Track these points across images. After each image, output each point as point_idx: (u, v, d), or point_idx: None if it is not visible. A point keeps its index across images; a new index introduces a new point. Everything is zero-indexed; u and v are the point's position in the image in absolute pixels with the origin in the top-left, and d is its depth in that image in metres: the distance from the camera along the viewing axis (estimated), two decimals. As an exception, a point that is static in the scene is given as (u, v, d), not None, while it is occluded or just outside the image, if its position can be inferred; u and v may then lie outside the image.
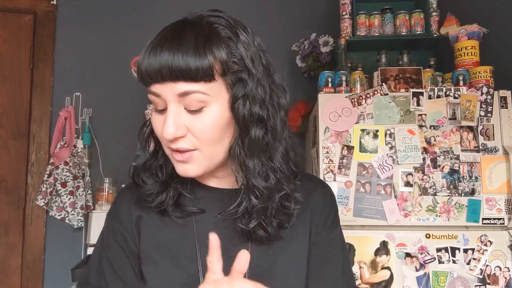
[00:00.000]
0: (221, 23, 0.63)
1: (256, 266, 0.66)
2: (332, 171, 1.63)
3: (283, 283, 0.67)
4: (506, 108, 1.62)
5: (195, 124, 0.61)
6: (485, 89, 1.62)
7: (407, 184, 1.60)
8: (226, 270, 0.67)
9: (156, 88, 0.61)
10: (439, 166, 1.60)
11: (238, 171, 0.67)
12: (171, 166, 0.69)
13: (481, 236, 1.56)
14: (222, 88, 0.62)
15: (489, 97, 1.62)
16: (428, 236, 1.58)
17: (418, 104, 1.64)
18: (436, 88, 1.65)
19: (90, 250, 2.11)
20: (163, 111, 0.63)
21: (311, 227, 0.72)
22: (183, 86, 0.59)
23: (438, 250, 1.57)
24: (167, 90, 0.60)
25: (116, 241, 0.71)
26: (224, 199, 0.69)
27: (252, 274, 0.65)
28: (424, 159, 1.61)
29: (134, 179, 0.72)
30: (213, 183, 0.72)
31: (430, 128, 1.63)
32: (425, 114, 1.63)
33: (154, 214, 0.70)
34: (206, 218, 0.70)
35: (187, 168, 0.65)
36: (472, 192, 1.59)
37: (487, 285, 1.54)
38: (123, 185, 0.75)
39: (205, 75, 0.59)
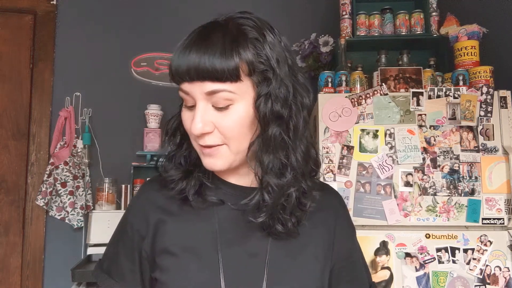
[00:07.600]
0: (249, 24, 0.65)
1: (275, 262, 0.69)
2: (332, 171, 1.63)
3: (298, 283, 0.70)
4: (506, 108, 1.62)
5: (222, 121, 0.64)
6: (485, 89, 1.62)
7: (407, 184, 1.60)
8: (247, 265, 0.68)
9: (185, 86, 0.64)
10: (439, 166, 1.60)
11: (256, 168, 0.69)
12: (194, 156, 0.72)
13: (481, 236, 1.56)
14: (249, 87, 0.65)
15: (489, 97, 1.62)
16: (428, 236, 1.58)
17: (418, 104, 1.64)
18: (436, 88, 1.65)
19: (90, 250, 2.11)
20: (192, 107, 0.66)
21: (332, 235, 0.76)
22: (210, 86, 0.62)
23: (438, 250, 1.57)
24: (196, 89, 0.63)
25: (125, 237, 0.75)
26: (242, 195, 0.70)
27: (270, 270, 0.68)
28: (424, 159, 1.61)
29: (160, 168, 0.75)
30: (233, 179, 0.74)
31: (430, 128, 1.63)
32: (425, 114, 1.63)
33: (176, 209, 0.72)
34: (226, 213, 0.72)
35: (214, 162, 0.67)
36: (472, 192, 1.59)
37: (487, 285, 1.54)
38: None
39: (231, 76, 0.61)
